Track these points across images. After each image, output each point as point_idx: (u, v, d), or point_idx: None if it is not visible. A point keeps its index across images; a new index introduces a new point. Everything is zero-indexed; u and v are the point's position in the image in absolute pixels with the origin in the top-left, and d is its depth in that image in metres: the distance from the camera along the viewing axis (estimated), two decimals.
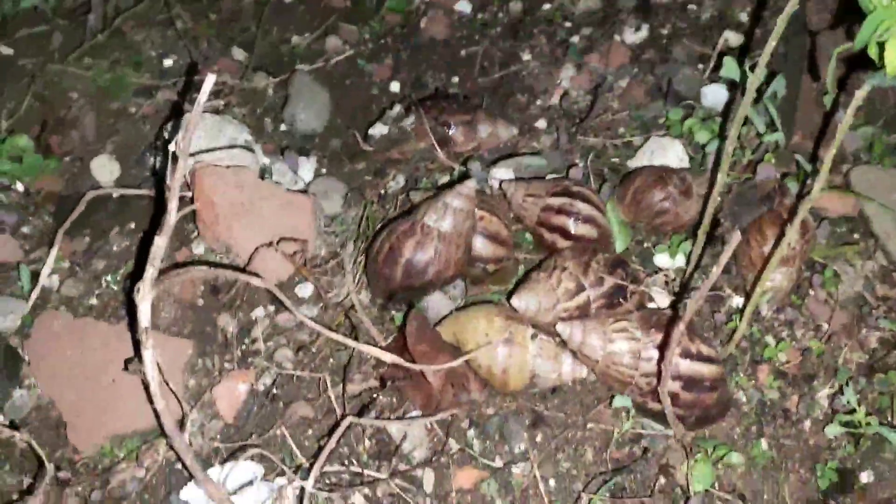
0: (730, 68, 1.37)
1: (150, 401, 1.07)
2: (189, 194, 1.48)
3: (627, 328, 1.21)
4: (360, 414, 1.21)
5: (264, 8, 2.00)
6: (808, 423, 1.25)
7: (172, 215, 1.08)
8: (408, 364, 1.08)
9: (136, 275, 1.15)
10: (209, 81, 1.06)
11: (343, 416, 1.18)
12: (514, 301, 1.27)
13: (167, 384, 1.16)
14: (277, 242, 1.36)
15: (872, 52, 0.91)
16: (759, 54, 1.71)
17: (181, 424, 1.22)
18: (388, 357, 1.07)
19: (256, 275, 1.16)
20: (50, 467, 1.15)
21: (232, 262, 1.46)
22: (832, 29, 1.53)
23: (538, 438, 1.27)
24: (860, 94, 1.00)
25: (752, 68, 1.42)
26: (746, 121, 1.49)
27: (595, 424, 1.27)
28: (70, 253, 1.53)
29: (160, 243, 1.09)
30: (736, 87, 1.56)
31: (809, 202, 1.08)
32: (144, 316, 1.08)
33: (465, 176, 1.38)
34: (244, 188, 1.47)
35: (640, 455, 1.22)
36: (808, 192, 1.43)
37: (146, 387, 1.07)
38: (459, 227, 1.32)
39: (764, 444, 1.23)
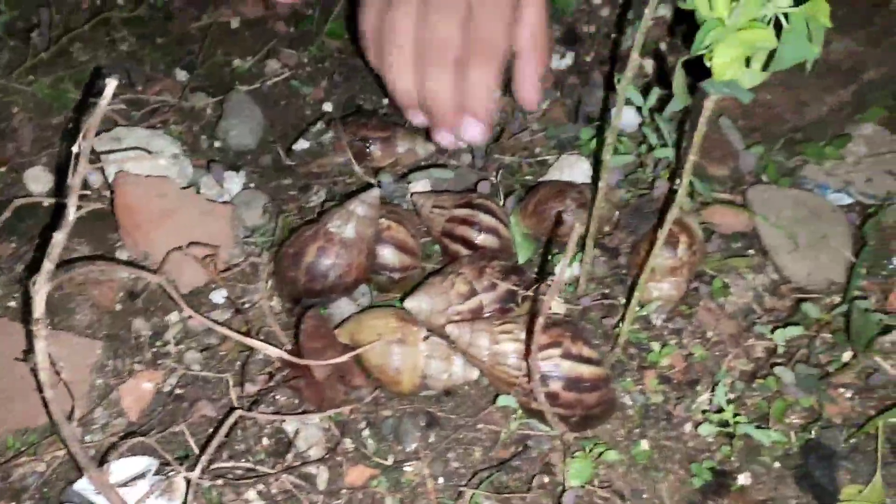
0: (627, 89, 1.44)
1: (41, 390, 1.11)
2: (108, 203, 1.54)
3: (513, 330, 1.26)
4: (251, 410, 1.25)
5: (209, 32, 2.07)
6: (688, 426, 1.29)
7: (71, 211, 1.13)
8: (291, 357, 1.13)
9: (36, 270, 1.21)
10: (111, 85, 1.11)
11: (232, 409, 1.22)
12: (408, 303, 1.32)
13: (58, 375, 1.20)
14: (188, 246, 1.41)
15: (708, 62, 0.98)
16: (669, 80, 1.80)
17: (70, 415, 1.26)
18: (272, 350, 1.11)
19: (153, 271, 1.21)
20: None
21: (149, 264, 1.51)
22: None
23: (431, 439, 1.31)
24: (708, 105, 1.06)
25: (647, 89, 1.50)
26: (645, 139, 1.56)
27: (485, 425, 1.31)
28: None
29: (58, 238, 1.13)
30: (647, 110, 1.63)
31: (675, 208, 1.13)
32: (38, 307, 1.12)
33: (370, 185, 1.44)
34: (165, 196, 1.53)
35: (524, 453, 1.26)
36: (700, 204, 1.50)
37: (36, 377, 1.11)
38: (362, 233, 1.37)
39: (645, 444, 1.27)
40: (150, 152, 1.56)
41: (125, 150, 1.55)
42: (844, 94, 1.65)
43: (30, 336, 1.13)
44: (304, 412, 1.28)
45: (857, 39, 1.71)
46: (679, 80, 1.03)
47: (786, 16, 0.93)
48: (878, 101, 1.72)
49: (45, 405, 1.13)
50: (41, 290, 1.13)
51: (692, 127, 1.53)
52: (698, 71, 1.05)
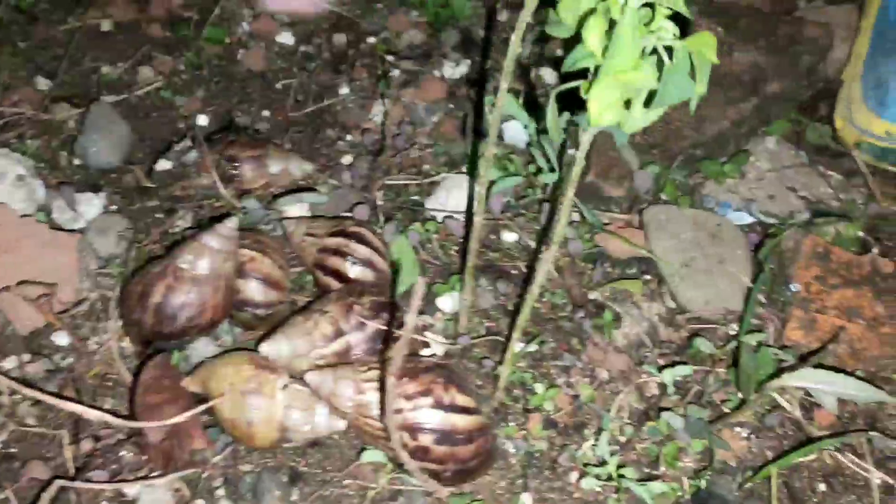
0: (510, 106, 1.34)
1: None
2: None
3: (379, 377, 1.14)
4: (76, 475, 1.10)
5: (75, 36, 1.90)
6: (573, 475, 1.19)
7: None
8: (116, 421, 0.99)
9: None
10: None
11: (54, 478, 1.07)
12: (264, 347, 1.18)
13: None
14: (17, 286, 1.25)
15: (585, 95, 0.85)
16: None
17: None
18: (93, 414, 0.97)
19: None
20: None
21: None
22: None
23: (293, 497, 1.18)
24: (584, 143, 0.93)
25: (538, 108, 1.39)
26: (534, 160, 1.46)
27: (353, 480, 1.19)
28: None
29: None
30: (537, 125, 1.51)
31: (553, 247, 1.01)
32: None
33: (227, 214, 1.29)
34: (1, 227, 1.36)
35: None
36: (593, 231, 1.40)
37: None
38: (217, 269, 1.23)
39: (527, 498, 1.16)
40: None
41: None
42: (746, 107, 1.57)
43: None
44: (145, 477, 1.13)
45: (759, 49, 1.64)
46: (552, 115, 0.91)
47: (668, 49, 0.81)
48: (781, 114, 1.65)
49: None
50: None
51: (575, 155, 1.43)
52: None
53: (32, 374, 1.30)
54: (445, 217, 1.45)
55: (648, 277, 1.41)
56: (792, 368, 1.14)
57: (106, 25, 1.95)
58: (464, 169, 1.56)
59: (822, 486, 1.20)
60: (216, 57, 1.89)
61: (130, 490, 1.16)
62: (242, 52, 1.89)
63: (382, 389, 1.07)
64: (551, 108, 0.93)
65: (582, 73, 0.86)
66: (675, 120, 1.54)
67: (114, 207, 1.56)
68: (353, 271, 1.31)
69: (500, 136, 1.58)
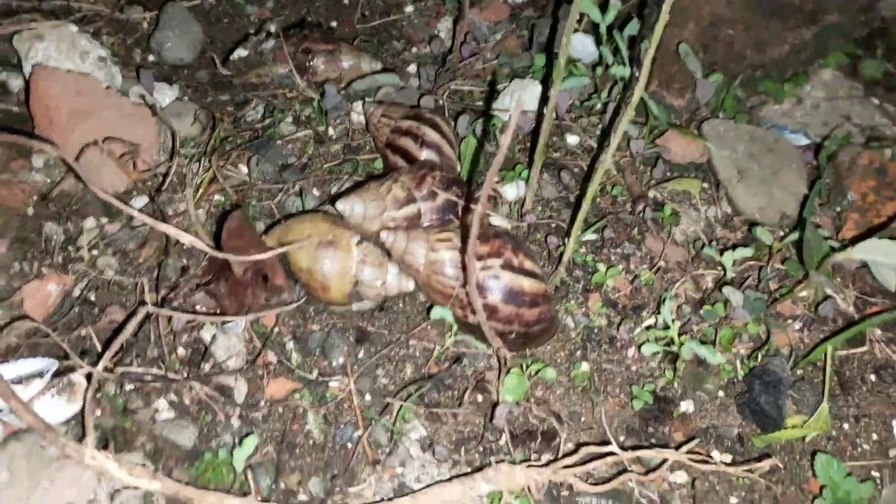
0: (585, 5, 1.38)
1: None
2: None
3: (452, 238, 1.18)
4: (162, 307, 1.15)
5: None
6: (631, 350, 1.23)
7: None
8: (209, 249, 1.03)
9: None
10: None
11: (139, 304, 1.12)
12: (339, 204, 1.23)
13: None
14: (104, 142, 1.30)
15: None
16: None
17: None
18: (186, 238, 1.02)
19: (49, 141, 1.11)
20: None
21: (66, 169, 1.40)
22: None
23: (360, 354, 1.22)
24: (666, 7, 0.97)
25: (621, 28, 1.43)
26: (601, 61, 1.50)
27: (418, 342, 1.23)
28: None
29: None
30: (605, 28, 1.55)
31: (624, 120, 1.05)
32: None
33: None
34: (85, 95, 1.41)
35: (456, 369, 1.19)
36: (655, 132, 1.44)
37: None
38: None
39: (585, 366, 1.20)
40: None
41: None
42: (805, 34, 1.60)
43: None
44: (222, 314, 1.18)
45: None
46: None
47: None
48: (838, 46, 1.68)
49: None
50: None
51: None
52: None
53: (111, 233, 1.36)
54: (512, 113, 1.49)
55: (706, 185, 1.45)
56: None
57: None
58: (527, 77, 1.60)
59: (872, 377, 1.23)
60: None
61: (206, 335, 1.21)
62: None
63: (464, 241, 1.11)
64: None
65: None
66: (737, 41, 1.57)
67: (186, 98, 1.61)
68: (422, 154, 1.35)
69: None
